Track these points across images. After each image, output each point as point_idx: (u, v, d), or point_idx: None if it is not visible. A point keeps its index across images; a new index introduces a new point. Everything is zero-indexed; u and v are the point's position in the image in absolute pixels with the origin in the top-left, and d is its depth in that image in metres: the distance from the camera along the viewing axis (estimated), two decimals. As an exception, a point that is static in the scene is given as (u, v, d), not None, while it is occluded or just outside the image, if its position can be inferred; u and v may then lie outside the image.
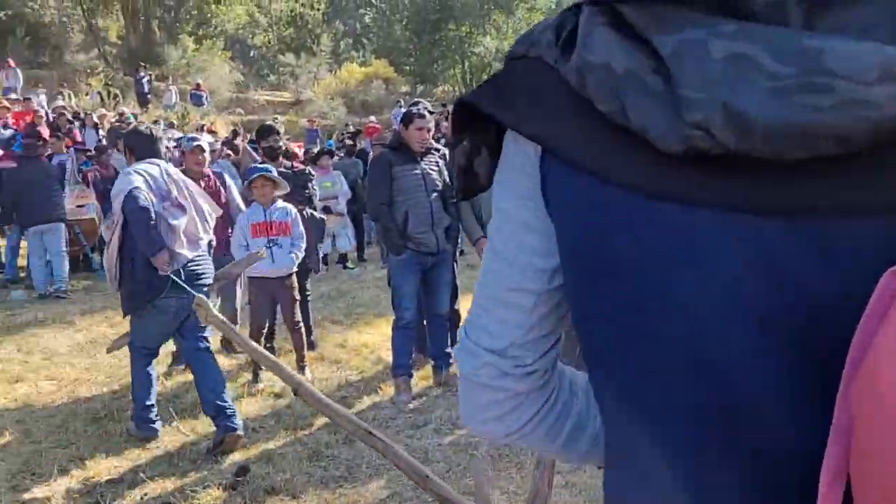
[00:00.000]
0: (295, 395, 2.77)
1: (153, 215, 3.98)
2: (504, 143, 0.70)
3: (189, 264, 4.13)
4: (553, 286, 0.69)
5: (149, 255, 3.96)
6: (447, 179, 4.94)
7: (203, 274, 4.23)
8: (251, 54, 37.83)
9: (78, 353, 6.11)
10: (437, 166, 4.88)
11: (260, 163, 5.86)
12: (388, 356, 5.45)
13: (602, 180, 0.59)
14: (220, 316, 3.54)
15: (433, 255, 4.77)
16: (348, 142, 13.59)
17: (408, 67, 35.33)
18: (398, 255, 4.77)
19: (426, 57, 34.93)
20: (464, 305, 6.22)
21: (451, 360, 4.97)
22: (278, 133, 6.12)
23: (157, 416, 4.26)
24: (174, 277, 3.98)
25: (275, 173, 5.28)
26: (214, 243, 4.65)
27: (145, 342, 4.24)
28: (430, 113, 4.95)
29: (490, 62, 34.15)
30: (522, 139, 0.66)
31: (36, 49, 28.57)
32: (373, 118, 22.61)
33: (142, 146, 4.37)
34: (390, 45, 37.78)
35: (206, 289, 4.21)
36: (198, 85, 23.48)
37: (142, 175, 4.14)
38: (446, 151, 5.20)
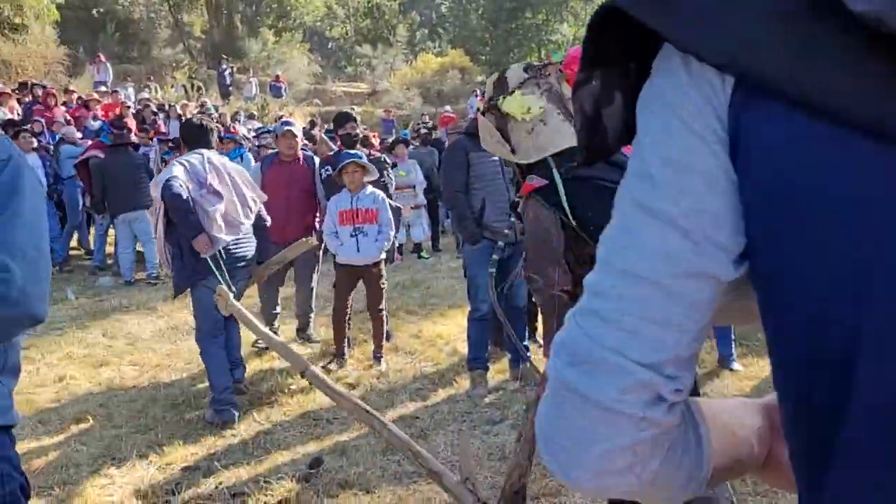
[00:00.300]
0: (301, 376, 2.98)
1: (189, 202, 4.23)
2: (661, 73, 0.51)
3: (229, 247, 4.43)
4: (739, 275, 0.50)
5: (189, 240, 4.25)
6: (525, 165, 4.76)
7: (243, 256, 4.55)
8: (329, 46, 38.36)
9: (160, 339, 6.22)
10: (516, 151, 4.71)
11: (336, 152, 5.88)
12: (464, 348, 5.33)
13: (837, 121, 0.42)
14: (238, 304, 3.80)
15: (511, 245, 4.61)
16: (423, 131, 13.54)
17: (483, 57, 35.10)
18: (474, 245, 4.63)
19: (502, 46, 34.67)
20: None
21: (528, 353, 4.81)
22: (355, 120, 6.08)
23: (234, 398, 4.35)
24: (215, 260, 4.30)
25: (365, 159, 5.26)
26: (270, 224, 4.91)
27: (207, 323, 4.47)
28: None
29: (567, 50, 33.53)
30: (701, 68, 0.48)
31: (125, 44, 29.67)
32: (448, 108, 22.47)
33: (193, 137, 4.68)
34: (466, 35, 37.63)
35: (247, 269, 4.62)
36: (277, 77, 23.90)
37: (182, 164, 4.42)
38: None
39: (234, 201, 4.50)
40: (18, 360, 1.57)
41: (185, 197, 4.21)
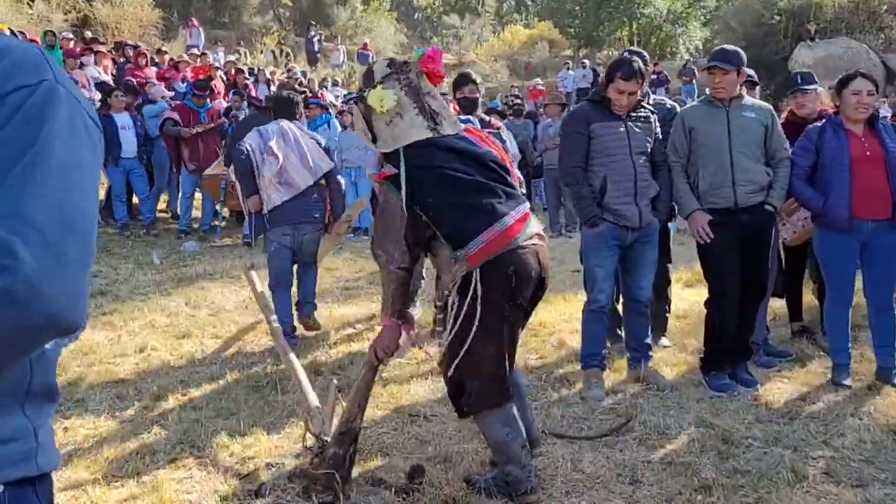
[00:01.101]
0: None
1: (249, 166, 4.97)
2: None
3: (284, 205, 5.00)
4: None
5: (246, 198, 5.12)
6: (660, 136, 4.15)
7: (298, 215, 5.05)
8: (415, 16, 37.91)
9: (243, 311, 5.92)
10: (646, 122, 4.10)
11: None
12: (570, 339, 4.82)
13: None
14: (255, 279, 4.83)
15: (635, 230, 4.03)
16: (516, 102, 12.92)
17: (572, 30, 33.95)
18: (593, 228, 4.07)
19: (592, 18, 33.41)
20: (675, 292, 5.42)
21: (650, 353, 4.24)
22: (475, 83, 5.34)
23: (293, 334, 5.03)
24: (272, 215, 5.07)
25: (478, 125, 4.73)
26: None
27: (273, 272, 5.16)
28: (642, 71, 4.07)
29: (660, 23, 32.24)
30: None
31: (217, 10, 29.91)
32: (538, 80, 21.72)
33: (280, 109, 5.43)
34: (555, 6, 36.54)
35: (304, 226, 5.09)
36: (364, 45, 23.57)
37: (258, 132, 5.13)
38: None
39: (296, 164, 5.04)
40: (53, 382, 1.08)
41: (245, 161, 4.95)
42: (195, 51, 14.52)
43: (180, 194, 9.64)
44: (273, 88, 12.98)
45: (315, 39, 22.32)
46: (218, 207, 9.27)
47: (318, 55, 22.61)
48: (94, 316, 5.78)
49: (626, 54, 4.18)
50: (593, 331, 4.09)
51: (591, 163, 4.12)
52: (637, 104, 4.09)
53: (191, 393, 4.14)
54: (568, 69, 22.63)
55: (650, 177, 4.07)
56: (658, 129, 4.15)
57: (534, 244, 2.82)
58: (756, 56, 22.73)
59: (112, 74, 11.40)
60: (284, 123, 5.21)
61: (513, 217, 2.77)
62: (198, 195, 9.65)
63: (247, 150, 4.95)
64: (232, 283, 6.79)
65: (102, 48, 11.58)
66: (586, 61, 23.21)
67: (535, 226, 2.87)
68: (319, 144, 5.31)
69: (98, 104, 9.35)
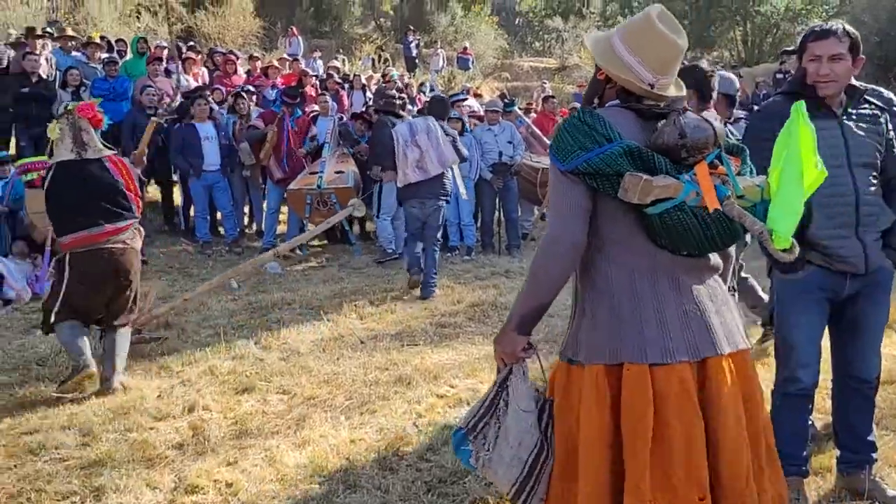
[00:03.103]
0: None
1: (392, 146, 6.57)
2: None
3: (418, 184, 6.47)
4: None
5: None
6: (892, 141, 2.88)
7: (426, 193, 6.51)
8: (516, 22, 36.84)
9: (319, 355, 4.97)
10: (872, 121, 2.84)
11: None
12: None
13: None
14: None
15: (856, 277, 2.77)
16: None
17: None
18: (790, 273, 2.85)
19: (703, 19, 31.42)
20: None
21: (874, 456, 2.95)
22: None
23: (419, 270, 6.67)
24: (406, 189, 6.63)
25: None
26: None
27: (409, 231, 6.87)
28: (850, 33, 2.81)
29: (777, 22, 30.02)
30: None
31: (319, 19, 29.84)
32: (649, 82, 20.13)
33: (433, 108, 7.15)
34: (662, 7, 34.75)
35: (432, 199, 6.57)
36: (465, 49, 22.68)
37: (409, 125, 6.78)
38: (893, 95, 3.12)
39: (432, 157, 6.47)
40: None
41: (390, 144, 6.65)
42: (286, 56, 13.93)
43: (265, 209, 8.90)
44: (369, 95, 12.20)
45: (413, 45, 21.62)
46: (305, 224, 8.46)
47: (417, 61, 21.90)
48: (151, 357, 4.98)
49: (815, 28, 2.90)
50: (792, 423, 2.85)
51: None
52: (859, 95, 2.84)
53: (237, 484, 3.17)
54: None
55: (880, 200, 2.81)
56: (892, 132, 2.88)
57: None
58: (892, 54, 20.42)
59: (203, 82, 10.86)
60: (432, 121, 6.68)
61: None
62: (284, 209, 8.89)
63: (396, 136, 6.58)
64: (310, 316, 5.89)
65: (193, 55, 11.06)
66: (703, 62, 21.41)
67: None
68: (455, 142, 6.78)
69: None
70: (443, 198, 6.67)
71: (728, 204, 1.87)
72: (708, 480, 1.84)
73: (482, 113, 11.06)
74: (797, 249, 1.88)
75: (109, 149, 4.58)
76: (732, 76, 4.98)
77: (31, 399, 4.26)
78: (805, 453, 2.89)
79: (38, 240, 7.09)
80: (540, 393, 2.11)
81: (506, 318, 2.07)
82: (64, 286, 4.30)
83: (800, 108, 1.91)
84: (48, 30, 11.68)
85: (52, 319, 4.31)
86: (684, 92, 2.06)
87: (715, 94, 3.97)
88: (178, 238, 8.81)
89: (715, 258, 2.03)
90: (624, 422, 1.86)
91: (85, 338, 4.40)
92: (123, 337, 4.53)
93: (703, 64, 4.09)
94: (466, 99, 10.58)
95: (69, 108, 4.47)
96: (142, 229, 4.71)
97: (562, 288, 1.96)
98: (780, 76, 14.97)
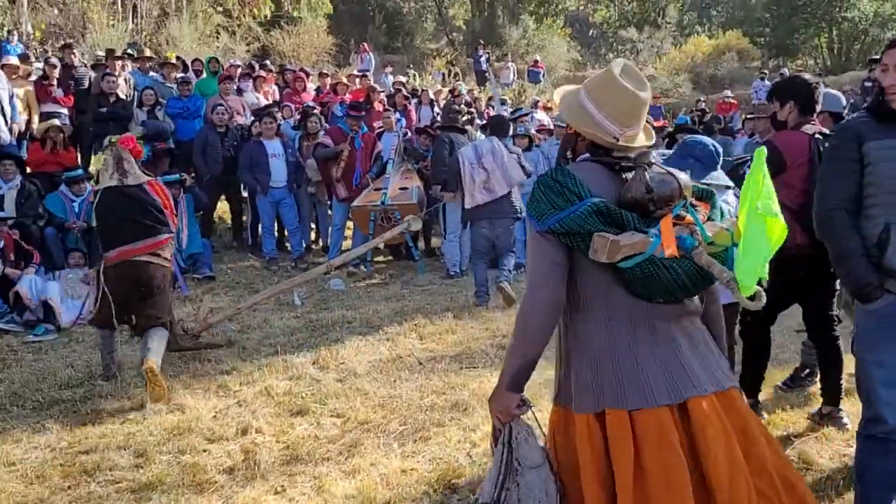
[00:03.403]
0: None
1: (456, 169, 6.71)
2: None
3: (486, 205, 6.58)
4: None
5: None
6: None
7: (503, 212, 6.65)
8: (590, 33, 36.45)
9: (377, 376, 4.88)
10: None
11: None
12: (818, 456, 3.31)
13: None
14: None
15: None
16: (706, 116, 11.21)
17: (763, 39, 31.02)
18: (868, 303, 2.60)
19: (785, 25, 30.35)
20: None
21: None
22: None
23: (487, 291, 6.73)
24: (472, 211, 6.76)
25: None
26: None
27: (475, 251, 6.80)
28: None
29: (866, 28, 28.72)
30: None
31: (391, 35, 30.21)
32: (728, 92, 19.53)
33: (493, 127, 7.11)
34: (742, 15, 33.74)
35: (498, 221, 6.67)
36: (535, 62, 22.53)
37: (474, 147, 6.85)
38: None
39: (498, 177, 6.55)
40: None
41: (456, 167, 6.73)
42: (356, 72, 14.07)
43: (331, 225, 8.94)
44: (437, 110, 12.19)
45: (482, 59, 21.57)
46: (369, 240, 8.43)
47: (487, 74, 21.83)
48: (211, 375, 5.00)
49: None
50: (878, 466, 2.58)
51: (865, 202, 2.68)
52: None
53: (283, 513, 3.10)
54: (762, 79, 20.22)
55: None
56: None
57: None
58: None
59: (274, 100, 11.05)
60: (496, 142, 6.76)
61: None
62: (350, 225, 8.91)
63: (462, 160, 6.67)
64: (370, 335, 5.82)
65: (264, 73, 11.26)
66: (785, 70, 20.64)
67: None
68: (519, 158, 6.80)
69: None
70: (512, 216, 6.73)
71: (697, 253, 1.90)
72: None
73: (552, 126, 10.90)
74: (763, 297, 1.83)
75: (148, 175, 5.09)
76: (839, 93, 4.69)
77: (93, 416, 4.31)
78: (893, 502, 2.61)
79: (111, 256, 7.29)
80: (545, 444, 2.11)
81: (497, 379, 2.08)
82: (98, 295, 4.85)
83: (760, 153, 1.91)
84: (129, 51, 12.12)
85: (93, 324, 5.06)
86: (654, 141, 2.10)
87: (819, 109, 3.76)
88: (245, 254, 8.92)
89: (693, 303, 2.06)
90: (614, 466, 1.90)
91: (113, 347, 5.05)
92: (155, 331, 4.83)
93: (806, 75, 3.85)
94: (528, 114, 10.42)
95: (112, 140, 4.95)
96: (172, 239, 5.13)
97: (547, 343, 1.98)
98: (868, 85, 14.25)
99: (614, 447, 1.90)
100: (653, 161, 2.01)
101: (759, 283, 1.83)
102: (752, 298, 1.82)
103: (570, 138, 2.13)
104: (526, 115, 9.73)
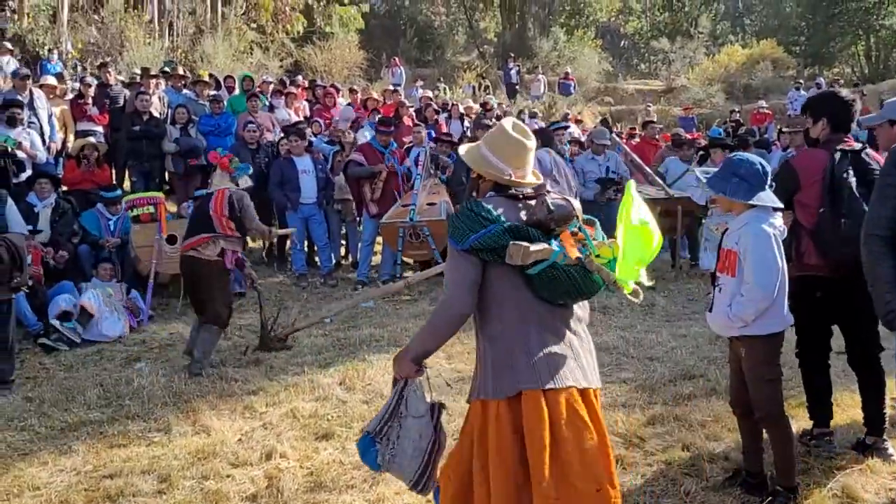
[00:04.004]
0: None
1: None
2: None
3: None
4: None
5: None
6: None
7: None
8: (621, 44, 36.25)
9: (403, 398, 4.81)
10: None
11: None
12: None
13: None
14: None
15: None
16: (741, 129, 11.01)
17: (798, 48, 30.54)
18: (893, 330, 2.49)
19: (821, 35, 29.86)
20: None
21: None
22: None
23: None
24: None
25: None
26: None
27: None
28: None
29: (905, 35, 28.22)
30: None
31: (422, 49, 30.36)
32: (762, 103, 19.21)
33: (544, 139, 6.86)
34: (776, 24, 33.29)
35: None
36: (566, 74, 22.41)
37: (537, 159, 6.05)
38: None
39: (564, 187, 6.63)
40: None
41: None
42: (390, 88, 14.10)
43: (361, 241, 8.92)
44: (467, 123, 12.15)
45: (513, 71, 21.53)
46: (398, 256, 8.41)
47: (518, 87, 21.78)
48: (238, 395, 4.98)
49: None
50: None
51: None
52: None
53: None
54: (798, 89, 19.87)
55: None
56: None
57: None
58: None
59: (304, 116, 11.11)
60: (554, 153, 6.94)
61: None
62: (379, 240, 8.87)
63: None
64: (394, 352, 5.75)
65: (294, 90, 11.34)
66: (821, 79, 20.27)
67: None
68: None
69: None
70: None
71: (588, 262, 2.41)
72: (606, 474, 2.34)
73: (582, 139, 10.78)
74: (641, 295, 2.44)
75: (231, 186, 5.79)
76: None
77: (119, 438, 4.30)
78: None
79: (143, 272, 7.34)
80: (431, 401, 2.65)
81: (406, 346, 2.56)
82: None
83: (629, 186, 2.47)
84: (165, 69, 12.30)
85: None
86: (542, 180, 2.61)
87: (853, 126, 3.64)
88: (275, 270, 8.94)
89: (581, 311, 2.56)
90: (527, 439, 2.31)
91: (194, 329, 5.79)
92: (204, 330, 5.57)
93: (843, 91, 3.75)
94: (568, 127, 10.33)
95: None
96: (220, 240, 5.57)
97: (447, 340, 2.54)
98: (910, 94, 13.96)
99: (530, 423, 2.30)
100: (549, 191, 2.58)
101: (639, 284, 2.46)
102: (632, 295, 2.41)
103: (475, 181, 2.62)
104: (565, 127, 9.63)
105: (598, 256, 2.44)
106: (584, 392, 2.40)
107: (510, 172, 2.50)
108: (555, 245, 2.39)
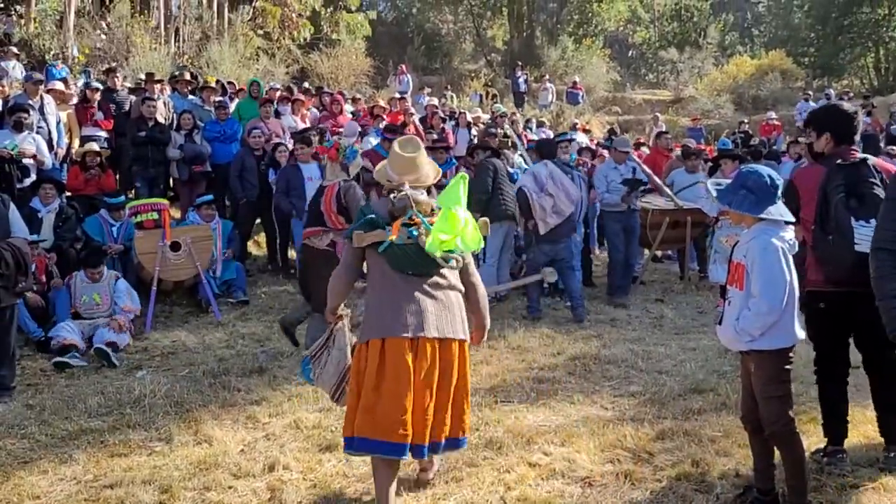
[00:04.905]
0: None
1: (527, 201, 7.12)
2: None
3: (557, 227, 7.10)
4: None
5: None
6: None
7: (561, 235, 7.16)
8: (629, 54, 36.22)
9: (408, 409, 4.74)
10: None
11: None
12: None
13: None
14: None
15: None
16: (750, 140, 10.92)
17: (807, 59, 30.47)
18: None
19: (830, 46, 29.77)
20: None
21: None
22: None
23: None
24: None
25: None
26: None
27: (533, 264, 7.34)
28: None
29: (915, 47, 28.14)
30: None
31: (430, 57, 30.37)
32: (772, 114, 19.14)
33: (543, 150, 7.66)
34: (786, 35, 33.22)
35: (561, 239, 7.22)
36: (574, 83, 22.36)
37: (532, 173, 7.35)
38: None
39: (563, 199, 7.05)
40: None
41: (523, 197, 7.15)
42: (397, 95, 14.05)
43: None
44: (475, 132, 12.10)
45: (521, 79, 21.49)
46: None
47: (525, 96, 21.75)
48: (241, 405, 4.92)
49: None
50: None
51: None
52: None
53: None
54: (807, 100, 19.80)
55: None
56: None
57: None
58: None
59: (312, 123, 11.07)
60: (551, 165, 7.25)
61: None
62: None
63: (528, 192, 7.12)
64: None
65: (302, 97, 11.31)
66: (830, 91, 20.19)
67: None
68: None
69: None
70: (573, 234, 7.40)
71: (421, 240, 3.18)
72: (409, 408, 3.16)
73: (592, 147, 10.73)
74: (454, 262, 3.29)
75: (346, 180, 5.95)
76: None
77: (120, 447, 4.24)
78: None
79: (146, 280, 7.28)
80: (349, 340, 3.62)
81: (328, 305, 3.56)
82: None
83: (462, 178, 3.36)
84: (175, 73, 12.26)
85: None
86: (430, 179, 3.50)
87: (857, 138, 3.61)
88: (279, 278, 8.89)
89: (444, 280, 3.32)
90: (388, 369, 3.19)
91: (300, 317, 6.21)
92: (311, 319, 5.92)
93: (844, 104, 3.71)
94: (572, 139, 10.30)
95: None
96: (331, 233, 5.81)
97: (344, 299, 3.56)
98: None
99: (389, 357, 3.18)
100: (404, 190, 3.31)
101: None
102: (442, 257, 3.23)
103: (381, 187, 3.73)
104: (570, 140, 9.57)
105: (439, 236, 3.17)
106: (423, 340, 3.18)
107: (396, 179, 3.39)
108: (388, 230, 3.19)
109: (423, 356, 3.17)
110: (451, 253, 3.23)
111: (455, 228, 3.15)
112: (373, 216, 3.23)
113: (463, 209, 3.24)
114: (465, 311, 3.40)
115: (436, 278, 3.26)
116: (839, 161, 3.58)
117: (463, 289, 3.40)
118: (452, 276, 3.34)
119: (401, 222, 3.17)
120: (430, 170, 3.47)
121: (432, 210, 3.25)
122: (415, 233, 3.16)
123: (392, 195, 3.28)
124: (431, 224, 3.17)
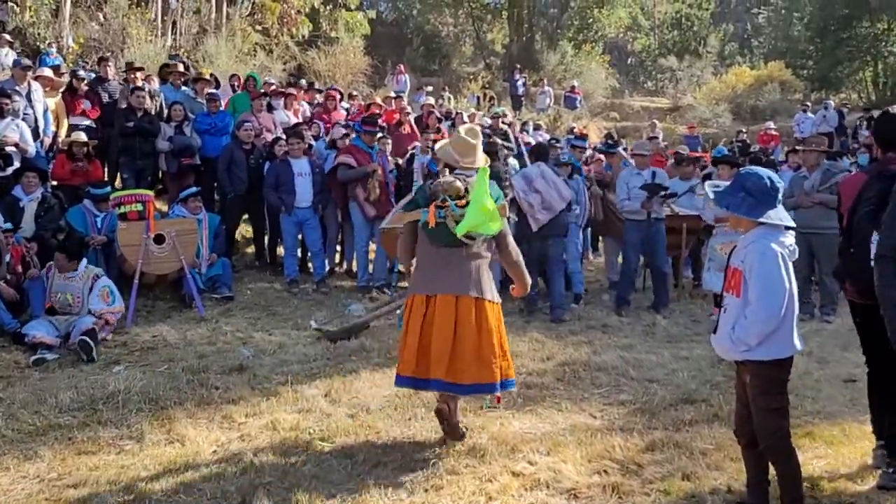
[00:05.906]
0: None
1: (520, 200, 7.28)
2: None
3: (546, 224, 7.29)
4: None
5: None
6: None
7: (548, 229, 7.32)
8: (628, 61, 36.16)
9: (390, 414, 4.58)
10: None
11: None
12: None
13: None
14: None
15: None
16: (748, 148, 10.81)
17: (806, 71, 30.44)
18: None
19: (829, 59, 29.72)
20: None
21: None
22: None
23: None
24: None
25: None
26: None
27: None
28: None
29: (912, 62, 28.11)
30: None
31: (428, 57, 30.24)
32: (770, 124, 19.06)
33: (539, 153, 7.84)
34: (785, 47, 33.20)
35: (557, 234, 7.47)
36: (573, 88, 22.25)
37: (523, 175, 7.56)
38: None
39: (554, 196, 7.29)
40: None
41: (515, 194, 7.26)
42: (392, 94, 13.90)
43: (355, 247, 8.71)
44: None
45: (520, 83, 21.37)
46: (395, 263, 8.20)
47: (523, 99, 21.63)
48: (217, 404, 4.75)
49: None
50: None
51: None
52: None
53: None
54: (805, 111, 19.74)
55: None
56: None
57: None
58: None
59: (304, 117, 10.91)
60: (543, 167, 7.52)
61: None
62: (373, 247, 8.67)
63: (517, 191, 7.28)
64: (388, 367, 5.50)
65: (294, 91, 11.14)
66: (830, 102, 20.11)
67: None
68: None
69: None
70: (562, 234, 7.50)
71: (449, 221, 3.86)
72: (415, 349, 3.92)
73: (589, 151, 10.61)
74: (471, 243, 3.94)
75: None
76: None
77: (89, 444, 4.07)
78: None
79: (128, 272, 7.11)
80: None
81: None
82: None
83: (484, 170, 3.93)
84: (168, 62, 12.05)
85: None
86: (482, 163, 4.23)
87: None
88: (266, 274, 8.72)
89: (471, 250, 3.94)
90: (435, 318, 3.90)
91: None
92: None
93: (894, 108, 3.60)
94: (559, 141, 10.22)
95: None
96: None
97: (408, 257, 4.21)
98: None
99: (437, 310, 3.88)
100: (448, 177, 4.05)
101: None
102: (467, 237, 3.88)
103: (441, 165, 4.40)
104: (582, 148, 9.46)
105: (462, 216, 3.83)
106: (460, 298, 3.87)
107: (458, 160, 4.15)
108: (423, 211, 3.92)
109: (442, 311, 3.84)
110: (473, 234, 3.87)
111: (484, 218, 3.77)
112: (417, 197, 4.10)
113: (488, 198, 3.79)
114: (485, 275, 3.97)
115: (462, 249, 3.91)
116: (879, 171, 3.45)
117: (487, 255, 4.02)
118: (475, 247, 3.94)
119: (435, 205, 3.87)
120: (482, 155, 4.27)
121: (465, 192, 3.87)
122: (443, 214, 3.85)
123: (430, 182, 4.07)
124: (459, 207, 3.84)
